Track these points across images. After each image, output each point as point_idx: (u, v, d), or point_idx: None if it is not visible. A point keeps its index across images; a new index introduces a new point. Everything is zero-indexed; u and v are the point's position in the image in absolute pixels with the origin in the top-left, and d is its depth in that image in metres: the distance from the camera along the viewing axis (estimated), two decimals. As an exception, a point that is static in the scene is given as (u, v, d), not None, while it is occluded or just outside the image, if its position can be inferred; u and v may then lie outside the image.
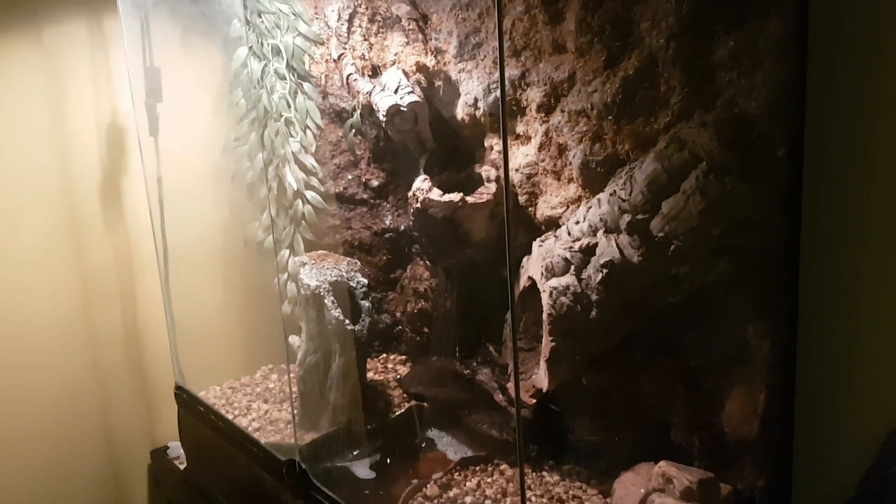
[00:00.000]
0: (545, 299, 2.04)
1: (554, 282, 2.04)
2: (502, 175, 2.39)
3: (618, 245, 1.98)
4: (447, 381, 2.51)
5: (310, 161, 2.72)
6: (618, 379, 2.13)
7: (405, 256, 2.80)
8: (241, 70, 2.66)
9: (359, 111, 2.50)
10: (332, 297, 2.34)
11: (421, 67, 2.39)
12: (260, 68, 2.60)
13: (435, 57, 2.44)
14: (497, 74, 2.37)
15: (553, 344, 2.01)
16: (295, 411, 2.50)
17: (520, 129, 2.39)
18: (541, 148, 2.31)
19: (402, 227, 2.78)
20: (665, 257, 1.94)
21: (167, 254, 2.75)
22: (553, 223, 2.34)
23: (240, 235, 2.80)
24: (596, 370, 2.12)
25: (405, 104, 2.29)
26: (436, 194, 2.25)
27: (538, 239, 2.21)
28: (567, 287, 2.02)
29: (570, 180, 2.26)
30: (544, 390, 2.10)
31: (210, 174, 2.78)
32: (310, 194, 2.74)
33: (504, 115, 1.63)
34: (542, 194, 2.36)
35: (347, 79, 2.54)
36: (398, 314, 2.75)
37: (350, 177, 2.82)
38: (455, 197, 2.23)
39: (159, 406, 3.01)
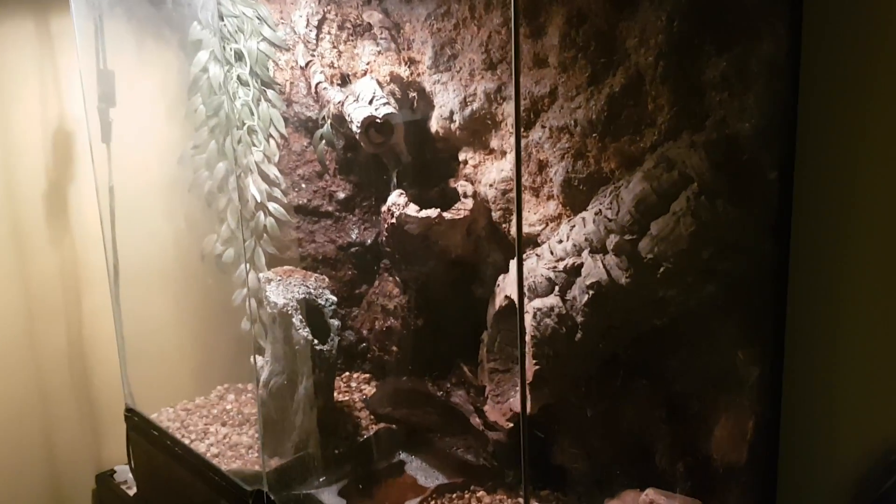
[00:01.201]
0: (528, 320, 1.99)
1: (538, 302, 1.99)
2: (486, 191, 2.33)
3: (605, 266, 1.93)
4: (418, 403, 2.44)
5: (273, 171, 2.62)
6: (599, 403, 2.09)
7: (371, 271, 2.72)
8: (200, 75, 2.54)
9: (329, 121, 2.41)
10: (300, 316, 2.25)
11: (395, 78, 2.32)
12: (222, 74, 2.49)
13: (408, 67, 2.37)
14: (474, 87, 2.31)
15: (537, 367, 1.96)
16: (259, 436, 2.39)
17: (495, 143, 2.34)
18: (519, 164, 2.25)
19: (369, 241, 2.69)
20: (653, 279, 1.90)
21: (118, 268, 2.61)
22: (530, 241, 2.29)
23: (196, 249, 2.68)
24: (577, 393, 2.08)
25: (381, 115, 2.21)
26: (412, 210, 2.17)
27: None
28: (552, 308, 1.97)
29: (550, 197, 2.21)
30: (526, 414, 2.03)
31: (165, 184, 2.65)
32: (272, 206, 2.64)
33: (518, 122, 1.56)
34: (519, 211, 2.31)
35: (316, 87, 2.45)
36: (364, 331, 2.66)
37: (315, 188, 2.72)
38: (432, 213, 2.16)
39: (106, 427, 2.86)
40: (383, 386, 2.59)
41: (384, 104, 2.22)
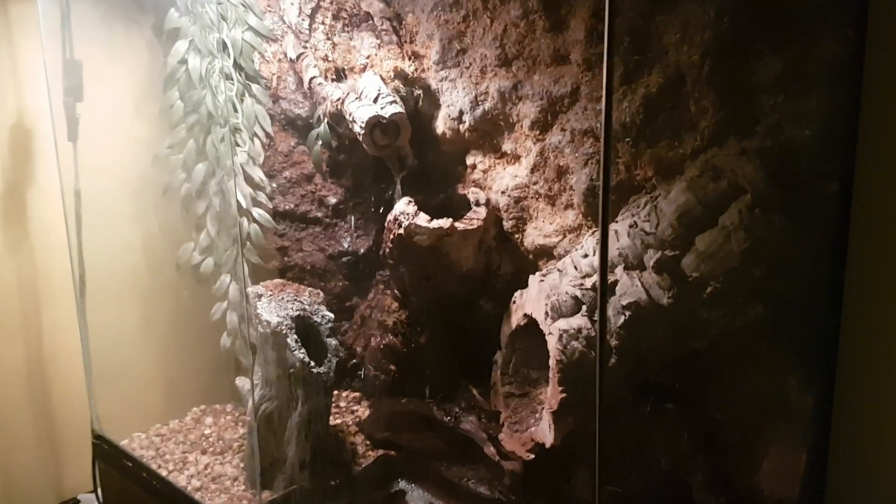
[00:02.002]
0: (553, 343, 1.81)
1: (563, 323, 1.81)
2: (498, 198, 2.13)
3: (643, 284, 1.76)
4: (421, 427, 2.24)
5: (257, 174, 2.39)
6: (628, 431, 1.91)
7: (364, 284, 2.51)
8: (178, 67, 2.29)
9: (326, 120, 2.18)
10: (294, 336, 2.03)
11: (399, 73, 2.11)
12: (202, 66, 2.25)
13: (413, 62, 2.16)
14: (486, 85, 2.11)
15: (563, 395, 1.77)
16: (246, 467, 2.16)
17: (508, 146, 2.15)
18: (534, 169, 2.07)
19: (363, 251, 2.48)
20: (698, 300, 1.73)
21: (84, 279, 2.35)
22: (545, 253, 2.11)
23: (171, 258, 2.44)
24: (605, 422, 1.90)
25: (387, 115, 2.00)
26: (423, 220, 1.97)
27: (538, 273, 1.97)
28: (579, 330, 1.79)
29: (569, 206, 2.03)
30: (548, 445, 1.85)
31: (137, 187, 2.40)
32: (257, 212, 2.40)
33: (609, 124, 1.38)
34: (532, 220, 2.12)
35: (310, 82, 2.22)
36: (357, 348, 2.45)
37: (303, 192, 2.50)
38: (444, 223, 1.97)
39: (68, 452, 2.59)
40: (379, 408, 2.38)
41: (390, 103, 2.01)
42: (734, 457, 1.82)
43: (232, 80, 2.32)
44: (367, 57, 2.16)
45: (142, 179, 2.39)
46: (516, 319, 2.01)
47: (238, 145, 2.34)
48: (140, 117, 2.38)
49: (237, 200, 2.30)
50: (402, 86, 2.11)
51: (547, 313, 1.84)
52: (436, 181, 2.23)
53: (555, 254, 2.08)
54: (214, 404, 2.63)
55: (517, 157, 2.13)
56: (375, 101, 2.02)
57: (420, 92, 2.14)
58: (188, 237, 2.44)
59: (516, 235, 2.16)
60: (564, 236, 2.05)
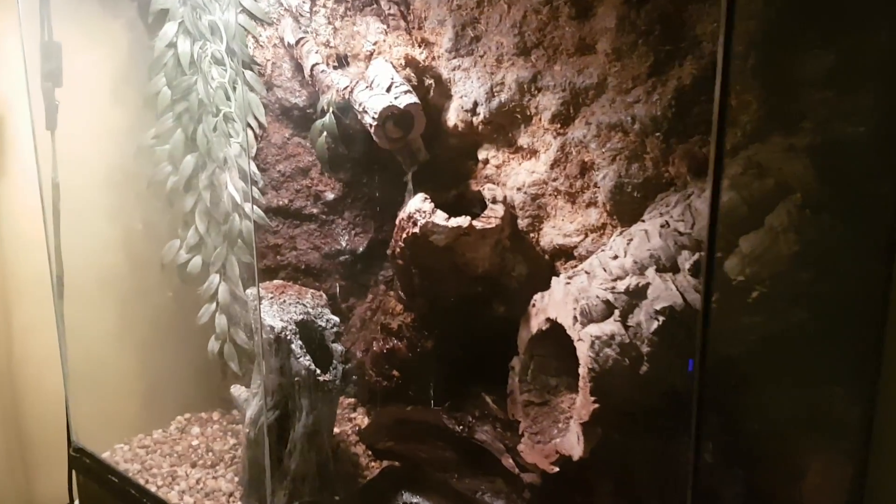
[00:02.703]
0: (583, 350, 1.70)
1: (594, 329, 1.70)
2: (513, 195, 2.02)
3: (678, 288, 1.66)
4: (428, 437, 2.11)
5: (252, 167, 2.24)
6: (655, 442, 1.82)
7: (362, 284, 2.38)
8: (166, 51, 2.14)
9: (332, 111, 2.04)
10: (300, 342, 1.89)
11: (410, 62, 1.98)
12: (194, 50, 2.09)
13: (423, 50, 2.04)
14: (502, 75, 2.00)
15: (596, 405, 1.67)
16: (241, 482, 2.02)
17: (524, 140, 2.04)
18: (554, 164, 1.96)
19: (361, 249, 2.34)
20: (741, 306, 1.64)
21: (62, 279, 2.17)
22: (564, 253, 2.01)
23: (155, 256, 2.29)
24: (629, 431, 1.80)
25: (402, 106, 1.87)
26: (440, 218, 1.85)
27: (563, 275, 1.86)
28: (612, 336, 1.69)
29: (591, 204, 1.93)
30: (576, 458, 1.75)
31: (120, 180, 2.23)
32: (249, 207, 2.25)
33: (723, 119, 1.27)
34: (550, 219, 2.02)
35: (312, 69, 2.08)
36: (357, 352, 2.31)
37: (298, 187, 2.35)
38: (463, 221, 1.85)
39: (40, 464, 2.42)
40: (380, 415, 2.25)
41: (405, 92, 1.89)
42: (772, 470, 1.74)
43: (224, 65, 2.16)
44: (375, 43, 2.03)
45: (124, 172, 2.23)
46: (537, 324, 1.90)
47: (231, 136, 2.18)
48: (123, 105, 2.21)
49: (230, 195, 2.15)
50: (412, 74, 1.97)
51: (575, 318, 1.73)
52: (445, 177, 2.11)
53: (575, 254, 1.98)
54: (200, 412, 2.47)
55: (534, 152, 2.02)
56: (388, 90, 1.89)
57: (431, 82, 2.01)
58: (173, 234, 2.29)
59: (531, 234, 2.05)
60: (586, 236, 1.95)
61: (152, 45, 2.15)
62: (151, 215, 2.28)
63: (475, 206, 2.05)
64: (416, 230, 1.87)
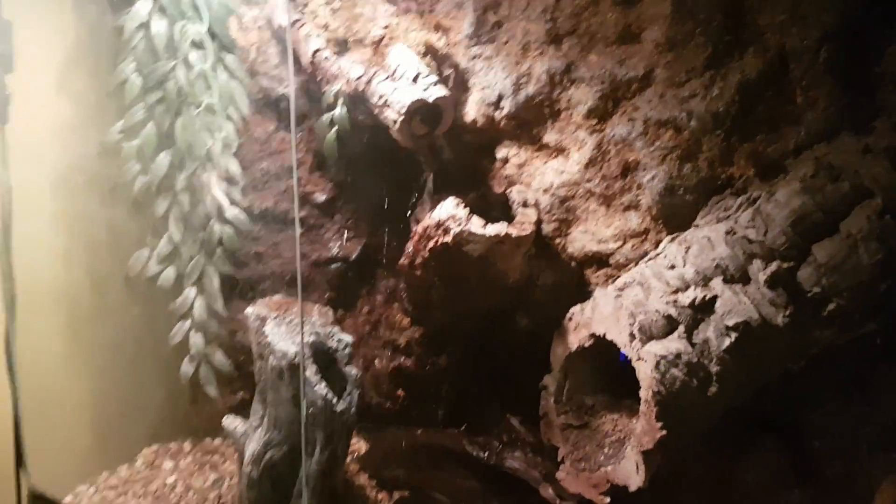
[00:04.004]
0: (646, 371, 1.58)
1: (658, 347, 1.58)
2: (539, 198, 1.87)
3: (752, 301, 1.55)
4: (443, 463, 1.95)
5: (232, 165, 2.00)
6: (713, 465, 1.72)
7: (356, 295, 2.18)
8: (136, 33, 1.87)
9: (343, 104, 1.82)
10: (314, 367, 1.69)
11: (430, 49, 1.79)
12: (175, 31, 1.85)
13: (442, 36, 1.86)
14: (528, 65, 1.84)
15: (664, 432, 1.54)
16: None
17: (550, 137, 1.89)
18: (589, 164, 1.83)
19: (354, 257, 2.14)
20: (817, 319, 1.55)
21: (14, 294, 1.87)
22: (597, 261, 1.88)
23: (119, 268, 2.02)
24: (689, 456, 1.70)
25: (432, 99, 1.69)
26: (477, 225, 1.68)
27: (611, 287, 1.74)
28: (678, 355, 1.57)
29: (631, 208, 1.81)
30: (633, 488, 1.62)
31: (80, 182, 1.95)
32: (231, 212, 2.02)
33: None
34: (580, 223, 1.88)
35: (314, 56, 1.86)
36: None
37: (283, 188, 2.13)
38: (501, 229, 1.68)
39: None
40: (382, 441, 2.06)
41: (434, 84, 1.70)
42: (834, 489, 1.66)
43: (203, 49, 1.92)
44: (386, 27, 1.83)
45: (85, 173, 1.95)
46: (577, 339, 1.77)
47: (210, 131, 1.94)
48: (84, 95, 1.94)
49: (214, 196, 1.92)
50: (432, 63, 1.79)
51: (633, 335, 1.61)
52: (460, 177, 1.94)
53: (611, 262, 1.85)
54: (168, 443, 2.22)
55: (561, 150, 1.88)
56: (415, 80, 1.70)
57: (451, 72, 1.83)
58: (141, 243, 2.03)
59: (557, 240, 1.91)
60: (625, 242, 1.83)
61: (120, 25, 1.88)
62: (117, 222, 2.00)
63: (495, 209, 1.90)
64: (448, 239, 1.70)
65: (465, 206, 1.69)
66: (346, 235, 2.16)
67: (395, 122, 1.71)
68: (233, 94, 2.00)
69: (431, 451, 1.99)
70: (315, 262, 2.17)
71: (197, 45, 1.92)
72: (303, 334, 1.62)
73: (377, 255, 2.16)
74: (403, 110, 1.68)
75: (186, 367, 2.09)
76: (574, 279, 1.92)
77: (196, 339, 2.08)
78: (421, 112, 1.72)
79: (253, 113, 2.08)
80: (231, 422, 1.85)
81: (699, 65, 1.67)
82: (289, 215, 2.16)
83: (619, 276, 1.83)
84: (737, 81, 1.63)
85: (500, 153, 1.94)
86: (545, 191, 1.89)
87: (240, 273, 2.13)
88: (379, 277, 2.16)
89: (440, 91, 1.72)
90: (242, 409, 2.30)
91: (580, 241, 1.88)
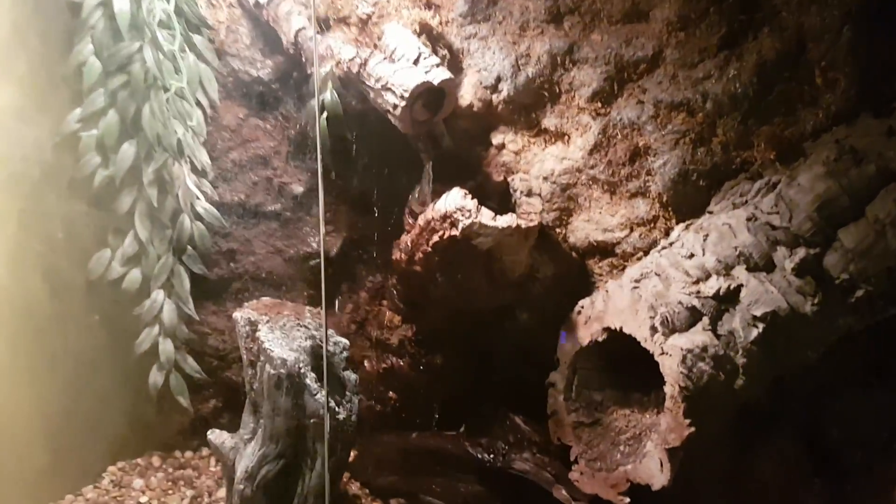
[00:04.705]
0: (671, 365, 1.52)
1: (683, 341, 1.53)
2: (542, 185, 1.79)
3: (779, 290, 1.51)
4: (442, 468, 1.86)
5: (201, 156, 1.86)
6: (730, 458, 1.68)
7: (337, 292, 2.05)
8: (95, 11, 1.70)
9: (332, 89, 1.69)
10: (314, 375, 1.57)
11: (424, 28, 1.68)
12: (143, 8, 1.68)
13: (433, 14, 1.75)
14: (527, 45, 1.75)
15: (692, 429, 1.49)
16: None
17: (550, 122, 1.81)
18: (593, 150, 1.75)
19: (334, 252, 2.02)
20: (843, 307, 1.52)
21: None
22: (601, 251, 1.82)
23: (78, 271, 1.85)
24: (713, 451, 1.65)
25: (437, 82, 1.58)
26: (487, 217, 1.58)
27: (626, 277, 1.67)
28: (705, 348, 1.52)
29: (638, 195, 1.75)
30: (656, 487, 1.57)
31: (34, 176, 1.75)
32: (201, 206, 1.87)
33: None
34: (582, 211, 1.81)
35: (297, 36, 1.73)
36: (339, 374, 1.99)
37: (255, 179, 1.99)
38: (511, 220, 1.59)
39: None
40: (372, 446, 1.95)
41: (436, 65, 1.59)
42: (858, 478, 1.65)
43: (171, 28, 1.76)
44: (374, 4, 1.71)
45: (40, 166, 1.76)
46: (589, 334, 1.70)
47: (178, 118, 1.79)
48: (36, 80, 1.74)
49: (188, 189, 1.77)
50: (427, 44, 1.68)
51: (655, 328, 1.54)
52: (454, 165, 1.84)
53: (617, 251, 1.79)
54: (135, 459, 2.05)
55: (562, 135, 1.81)
56: (416, 62, 1.58)
57: (445, 52, 1.73)
58: (103, 243, 1.86)
59: (558, 230, 1.84)
60: (632, 230, 1.77)
61: (74, 2, 1.70)
62: (75, 220, 1.82)
63: (492, 199, 1.81)
64: (456, 232, 1.60)
65: (473, 198, 1.59)
66: (327, 230, 2.03)
67: (395, 106, 1.59)
68: (202, 77, 1.85)
69: (427, 455, 1.89)
70: (291, 258, 2.04)
71: (164, 23, 1.76)
72: (326, 339, 1.49)
73: (357, 250, 2.04)
74: (407, 94, 1.57)
75: (156, 377, 1.94)
76: (575, 271, 1.84)
77: (165, 346, 1.93)
78: (423, 96, 1.60)
79: (222, 98, 1.93)
80: (217, 436, 1.71)
81: (713, 44, 1.62)
82: (263, 208, 2.01)
83: (625, 266, 1.77)
84: (754, 62, 1.58)
85: (496, 139, 1.85)
86: (545, 178, 1.81)
87: (209, 273, 1.98)
88: (362, 273, 2.04)
89: (444, 73, 1.61)
90: (214, 419, 2.17)
91: (583, 230, 1.81)
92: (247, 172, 1.99)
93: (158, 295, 1.90)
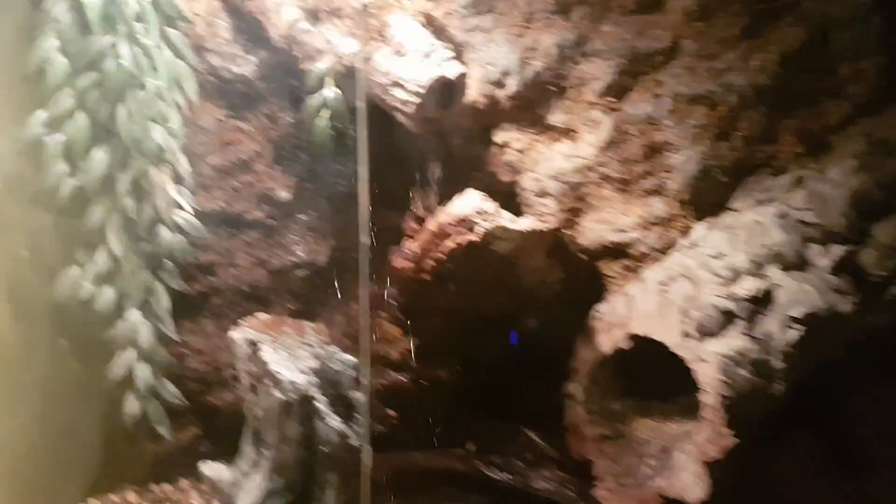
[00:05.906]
0: (709, 373, 1.46)
1: (720, 346, 1.47)
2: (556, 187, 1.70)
3: (816, 290, 1.46)
4: (449, 488, 1.77)
5: (182, 162, 1.71)
6: (755, 460, 1.63)
7: (325, 306, 1.92)
8: (59, 4, 1.54)
9: (333, 86, 1.56)
10: (326, 399, 1.44)
11: (428, 19, 1.58)
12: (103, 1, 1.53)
13: (435, 5, 1.64)
14: (533, 38, 1.66)
15: (736, 440, 1.43)
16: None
17: (557, 119, 1.74)
18: (606, 147, 1.67)
19: (324, 261, 1.89)
20: (880, 305, 1.48)
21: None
22: (613, 252, 1.74)
23: (43, 292, 1.67)
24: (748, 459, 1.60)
25: (453, 76, 1.47)
26: (507, 219, 1.48)
27: (650, 280, 1.60)
28: (743, 354, 1.46)
29: (654, 193, 1.69)
30: (693, 501, 1.50)
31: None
32: (181, 216, 1.72)
33: None
34: (594, 211, 1.74)
35: (290, 28, 1.59)
36: (333, 392, 1.87)
37: (236, 185, 1.85)
38: (532, 223, 1.51)
39: None
40: (373, 469, 1.83)
41: (449, 59, 1.48)
42: (886, 476, 1.62)
43: (145, 21, 1.60)
44: (371, -6, 1.59)
45: (0, 178, 1.58)
46: (612, 341, 1.63)
47: (156, 121, 1.64)
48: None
49: (171, 199, 1.62)
50: (432, 36, 1.57)
51: (687, 333, 1.48)
52: (460, 165, 1.74)
53: (631, 253, 1.71)
54: (108, 494, 1.88)
55: (570, 132, 1.73)
56: (428, 55, 1.47)
57: (451, 46, 1.62)
58: (70, 260, 1.69)
59: (567, 232, 1.75)
60: (647, 230, 1.69)
61: (36, -9, 1.53)
62: (39, 236, 1.65)
63: (496, 200, 1.71)
64: (475, 237, 1.49)
65: (492, 200, 1.49)
66: (311, 239, 1.90)
67: (405, 102, 1.48)
68: (179, 75, 1.69)
69: (435, 476, 1.79)
70: (276, 269, 1.90)
71: (138, 17, 1.60)
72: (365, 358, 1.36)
73: (346, 259, 1.91)
74: (422, 89, 1.46)
75: (132, 405, 1.78)
76: (585, 274, 1.77)
77: (143, 372, 1.77)
78: (436, 92, 1.50)
79: (200, 98, 1.78)
80: (214, 470, 1.58)
81: (734, 35, 1.56)
82: (244, 216, 1.87)
83: (640, 268, 1.70)
84: (778, 52, 1.53)
85: (499, 137, 1.76)
86: (552, 177, 1.72)
87: (186, 288, 1.83)
88: (353, 284, 1.92)
89: (457, 67, 1.51)
90: (195, 449, 2.02)
91: (594, 231, 1.73)
92: (227, 178, 1.85)
93: (134, 315, 1.73)
